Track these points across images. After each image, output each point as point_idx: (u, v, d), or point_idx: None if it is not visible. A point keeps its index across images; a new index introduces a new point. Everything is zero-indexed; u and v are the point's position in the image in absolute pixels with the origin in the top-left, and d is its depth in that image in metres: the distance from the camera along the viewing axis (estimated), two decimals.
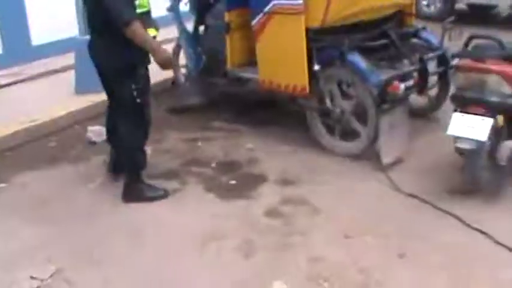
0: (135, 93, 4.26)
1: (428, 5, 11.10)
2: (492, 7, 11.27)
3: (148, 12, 4.32)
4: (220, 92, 6.25)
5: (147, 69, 4.39)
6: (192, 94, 6.27)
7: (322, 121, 5.18)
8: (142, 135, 4.50)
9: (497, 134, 4.02)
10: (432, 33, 5.66)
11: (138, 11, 4.15)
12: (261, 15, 4.99)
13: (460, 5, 11.43)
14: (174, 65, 5.68)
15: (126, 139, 4.43)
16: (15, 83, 7.50)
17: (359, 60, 4.75)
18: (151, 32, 4.27)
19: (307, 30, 4.76)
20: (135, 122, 4.38)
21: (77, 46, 6.88)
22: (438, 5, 11.14)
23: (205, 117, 6.08)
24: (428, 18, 8.75)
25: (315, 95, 5.06)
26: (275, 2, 4.85)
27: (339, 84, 5.05)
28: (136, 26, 3.99)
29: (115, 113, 4.54)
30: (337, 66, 4.88)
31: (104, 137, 5.16)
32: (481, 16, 11.09)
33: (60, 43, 8.64)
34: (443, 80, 5.61)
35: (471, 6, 11.44)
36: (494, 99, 3.96)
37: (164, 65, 4.18)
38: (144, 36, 4.05)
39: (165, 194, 4.56)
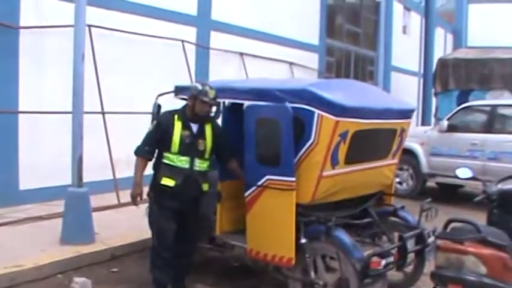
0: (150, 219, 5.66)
1: (400, 183, 11.67)
2: (459, 186, 11.87)
3: (174, 167, 5.31)
4: (203, 255, 6.39)
5: (159, 207, 5.41)
6: None
7: None
8: (155, 254, 5.48)
9: None
10: (409, 212, 5.97)
11: (165, 161, 5.33)
12: (254, 187, 5.27)
13: (431, 184, 12.07)
14: None
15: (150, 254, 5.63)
16: None
17: (344, 237, 5.00)
18: (168, 181, 5.30)
19: (297, 205, 5.03)
20: (152, 241, 5.58)
21: (69, 196, 7.12)
22: (410, 183, 11.75)
23: (188, 279, 6.12)
24: (400, 196, 9.17)
25: (299, 267, 5.22)
26: (269, 176, 5.16)
27: (323, 258, 5.24)
28: (138, 161, 5.39)
29: None
30: (323, 241, 5.11)
31: None
32: (450, 194, 11.67)
33: (47, 190, 8.85)
34: (420, 257, 5.80)
35: (441, 184, 12.07)
36: (471, 278, 4.16)
37: (131, 197, 5.43)
38: (136, 169, 5.40)
39: None
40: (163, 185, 5.31)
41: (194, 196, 5.48)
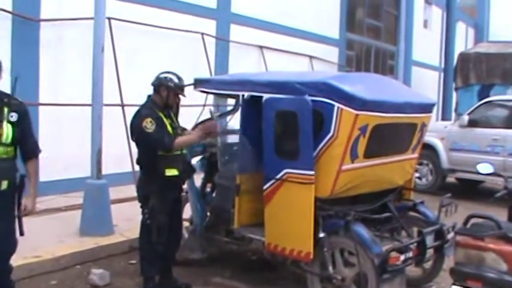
0: (146, 215, 5.38)
1: (420, 178, 11.58)
2: (480, 182, 11.77)
3: (172, 156, 5.33)
4: (221, 248, 6.39)
5: (162, 201, 5.33)
6: (194, 248, 6.38)
7: (322, 286, 5.29)
8: (150, 249, 5.42)
9: None
10: (428, 208, 5.92)
11: (161, 153, 5.26)
12: (272, 181, 5.24)
13: (451, 179, 11.97)
14: None
15: (140, 248, 5.59)
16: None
17: (363, 231, 4.96)
18: (172, 171, 5.31)
19: (316, 199, 4.99)
20: (145, 236, 5.45)
21: (88, 188, 7.17)
22: (430, 178, 11.67)
23: (206, 272, 6.18)
24: (420, 191, 9.10)
25: (317, 261, 5.20)
26: (287, 170, 5.13)
27: (342, 252, 5.21)
28: (177, 142, 5.26)
29: None
30: (342, 235, 5.08)
31: (107, 280, 5.82)
32: (470, 190, 11.56)
33: (66, 182, 8.91)
34: (439, 253, 5.76)
35: (461, 180, 11.97)
36: (491, 275, 4.11)
37: (206, 130, 5.49)
38: (185, 142, 5.43)
39: None
40: (169, 177, 5.31)
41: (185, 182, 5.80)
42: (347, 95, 4.90)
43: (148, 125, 5.20)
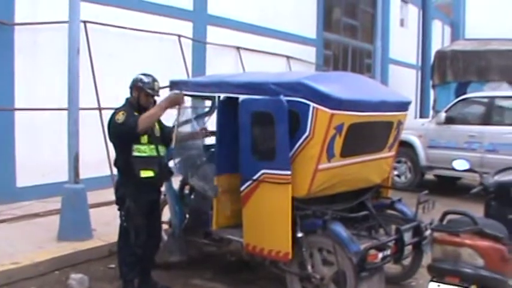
0: (123, 218, 5.43)
1: (399, 176, 11.67)
2: (458, 178, 11.88)
3: (148, 157, 5.34)
4: (200, 250, 6.38)
5: (137, 203, 5.34)
6: (173, 251, 6.35)
7: (301, 286, 5.30)
8: (129, 252, 5.40)
9: None
10: (406, 205, 5.96)
11: (136, 154, 5.27)
12: (249, 182, 5.24)
13: (429, 176, 12.07)
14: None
15: (118, 251, 5.60)
16: None
17: (340, 230, 4.97)
18: (147, 173, 5.30)
19: (293, 198, 4.99)
20: (123, 239, 5.48)
21: (65, 193, 7.11)
22: (408, 176, 11.75)
23: (186, 274, 6.17)
24: (399, 188, 9.13)
25: (296, 261, 5.20)
26: (264, 170, 5.13)
27: (320, 251, 5.21)
28: (141, 118, 5.17)
29: None
30: (320, 234, 5.08)
31: (86, 285, 5.81)
32: (449, 186, 11.66)
33: (44, 187, 8.83)
34: (417, 250, 5.79)
35: (439, 177, 12.07)
36: (468, 270, 4.14)
37: (171, 102, 5.47)
38: (150, 116, 5.24)
39: None
40: (144, 178, 5.30)
41: (162, 184, 5.80)
42: (322, 94, 4.91)
43: (120, 117, 5.24)
